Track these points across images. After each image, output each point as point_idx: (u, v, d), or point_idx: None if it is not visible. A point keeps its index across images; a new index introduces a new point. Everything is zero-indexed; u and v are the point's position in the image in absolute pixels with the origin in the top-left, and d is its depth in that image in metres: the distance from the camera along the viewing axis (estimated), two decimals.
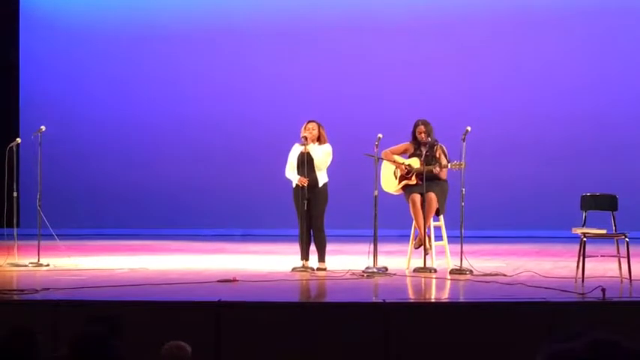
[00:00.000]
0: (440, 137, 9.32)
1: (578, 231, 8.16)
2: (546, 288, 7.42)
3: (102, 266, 9.41)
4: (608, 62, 13.98)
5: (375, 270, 8.61)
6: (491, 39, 14.23)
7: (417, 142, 9.22)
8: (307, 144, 9.02)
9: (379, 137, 8.87)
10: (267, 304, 6.82)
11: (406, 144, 9.33)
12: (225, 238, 13.69)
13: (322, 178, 9.05)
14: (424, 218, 8.99)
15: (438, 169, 9.00)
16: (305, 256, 9.03)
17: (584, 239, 7.99)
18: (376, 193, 8.84)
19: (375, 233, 8.73)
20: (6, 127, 14.14)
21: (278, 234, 12.98)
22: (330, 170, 9.14)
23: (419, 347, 6.47)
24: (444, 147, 9.23)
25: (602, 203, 8.49)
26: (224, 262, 9.98)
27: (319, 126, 9.13)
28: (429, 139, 9.14)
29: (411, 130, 9.28)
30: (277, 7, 14.59)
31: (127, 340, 4.96)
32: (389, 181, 9.33)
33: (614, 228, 8.23)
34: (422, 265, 8.85)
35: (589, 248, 8.02)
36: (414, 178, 9.16)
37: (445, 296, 7.86)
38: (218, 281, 7.98)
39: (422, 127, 9.17)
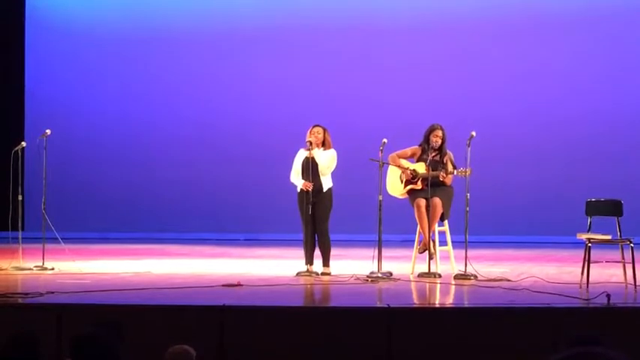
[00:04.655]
0: (446, 143, 9.29)
1: (583, 236, 8.15)
2: (551, 293, 7.41)
3: (106, 270, 9.41)
4: (613, 67, 13.97)
5: (379, 275, 8.60)
6: (496, 43, 14.23)
7: (427, 145, 9.16)
8: (312, 148, 9.02)
9: (384, 142, 8.86)
10: (271, 309, 6.81)
11: (414, 148, 9.30)
12: (230, 242, 13.71)
13: (327, 182, 9.05)
14: (429, 223, 8.98)
15: (443, 175, 8.98)
16: (309, 260, 9.02)
17: (589, 245, 7.98)
18: (381, 197, 8.83)
19: (379, 238, 8.72)
20: (11, 131, 14.16)
21: (282, 238, 13.00)
22: (334, 175, 9.13)
23: (423, 352, 6.46)
24: (451, 154, 9.21)
25: (607, 209, 8.48)
26: (228, 267, 9.98)
27: (325, 130, 9.13)
28: (438, 144, 9.11)
29: (425, 132, 9.21)
30: (282, 10, 14.61)
31: (131, 344, 4.97)
32: (395, 185, 9.32)
33: (618, 233, 8.23)
34: (426, 270, 8.85)
35: (594, 254, 8.01)
36: (419, 182, 9.15)
37: (449, 301, 7.86)
38: (222, 285, 7.98)
39: (439, 132, 9.12)
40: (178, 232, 14.29)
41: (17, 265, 9.41)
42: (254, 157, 14.42)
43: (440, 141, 9.13)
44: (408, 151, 9.34)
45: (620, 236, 8.20)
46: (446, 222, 9.15)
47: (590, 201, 8.48)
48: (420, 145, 9.28)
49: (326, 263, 9.07)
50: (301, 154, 9.14)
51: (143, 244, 13.21)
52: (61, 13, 15.01)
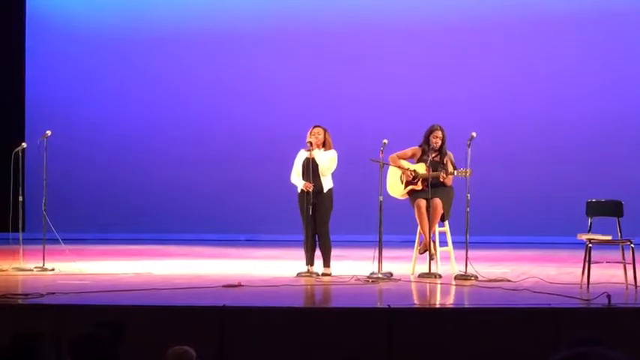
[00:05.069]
0: (446, 143, 9.29)
1: (584, 237, 8.15)
2: (551, 294, 7.41)
3: (107, 271, 9.41)
4: (614, 68, 13.97)
5: (379, 275, 8.60)
6: (496, 44, 14.23)
7: (427, 146, 9.17)
8: (312, 149, 9.02)
9: (384, 143, 8.85)
10: (271, 309, 6.81)
11: (414, 148, 9.31)
12: (230, 243, 13.71)
13: (327, 183, 9.04)
14: (429, 224, 8.98)
15: (444, 175, 8.98)
16: (310, 261, 9.02)
17: (590, 245, 7.98)
18: (381, 198, 8.83)
19: (380, 238, 8.72)
20: (11, 132, 14.16)
21: (283, 239, 12.99)
22: (335, 176, 9.13)
23: (423, 353, 6.46)
24: (451, 155, 9.21)
25: (608, 209, 8.48)
26: (229, 267, 9.98)
27: (325, 131, 9.13)
28: (438, 145, 9.11)
29: (424, 133, 9.22)
30: (282, 11, 14.61)
31: (131, 345, 4.97)
32: (395, 186, 9.33)
33: (619, 234, 8.23)
34: (427, 271, 8.85)
35: (594, 254, 8.01)
36: (419, 183, 9.16)
37: (450, 302, 7.86)
38: (223, 286, 7.97)
39: (439, 133, 9.12)
40: (179, 233, 14.29)
41: (18, 265, 9.41)
42: (254, 157, 14.42)
43: (440, 142, 9.13)
44: (409, 151, 9.34)
45: (621, 237, 8.20)
46: (446, 222, 9.16)
47: (591, 201, 8.47)
48: (420, 146, 9.28)
49: (326, 264, 9.07)
50: (302, 155, 9.14)
51: (143, 244, 13.22)
52: (62, 14, 15.02)
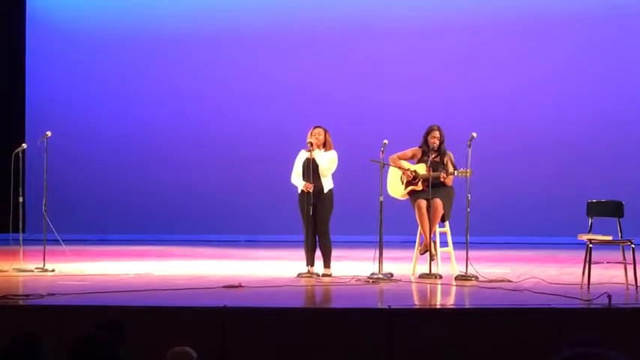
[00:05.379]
0: (445, 143, 9.30)
1: (584, 237, 8.15)
2: (552, 294, 7.41)
3: (107, 272, 9.41)
4: (615, 68, 13.96)
5: (380, 276, 8.60)
6: (496, 44, 14.22)
7: (426, 147, 9.18)
8: (313, 150, 9.02)
9: (385, 143, 8.85)
10: (272, 310, 6.81)
11: (414, 149, 9.32)
12: (231, 243, 13.71)
13: (327, 184, 9.04)
14: (430, 224, 8.98)
15: (444, 175, 8.99)
16: (310, 261, 9.02)
17: (590, 245, 7.98)
18: (381, 198, 8.83)
19: (380, 239, 8.72)
20: (12, 133, 14.16)
21: (283, 240, 12.99)
22: (335, 176, 9.13)
23: (424, 353, 6.45)
24: (451, 155, 9.21)
25: (608, 210, 8.48)
26: (229, 268, 9.98)
27: (325, 132, 9.13)
28: (436, 145, 9.12)
29: (423, 134, 9.23)
30: (282, 11, 14.60)
31: (132, 346, 4.97)
32: (395, 187, 9.33)
33: (619, 234, 8.23)
34: (427, 271, 8.85)
35: (595, 254, 8.01)
36: (420, 183, 9.16)
37: (450, 302, 7.86)
38: (223, 287, 7.97)
39: (437, 133, 9.14)
40: (179, 234, 14.29)
41: (18, 266, 9.41)
42: (255, 158, 14.42)
43: (438, 142, 9.14)
44: (409, 152, 9.35)
45: (621, 237, 8.20)
46: (447, 223, 9.16)
47: (591, 202, 8.47)
48: (420, 147, 9.29)
49: (327, 264, 9.07)
50: (302, 156, 9.14)
51: (144, 245, 13.22)
52: (62, 14, 15.02)
